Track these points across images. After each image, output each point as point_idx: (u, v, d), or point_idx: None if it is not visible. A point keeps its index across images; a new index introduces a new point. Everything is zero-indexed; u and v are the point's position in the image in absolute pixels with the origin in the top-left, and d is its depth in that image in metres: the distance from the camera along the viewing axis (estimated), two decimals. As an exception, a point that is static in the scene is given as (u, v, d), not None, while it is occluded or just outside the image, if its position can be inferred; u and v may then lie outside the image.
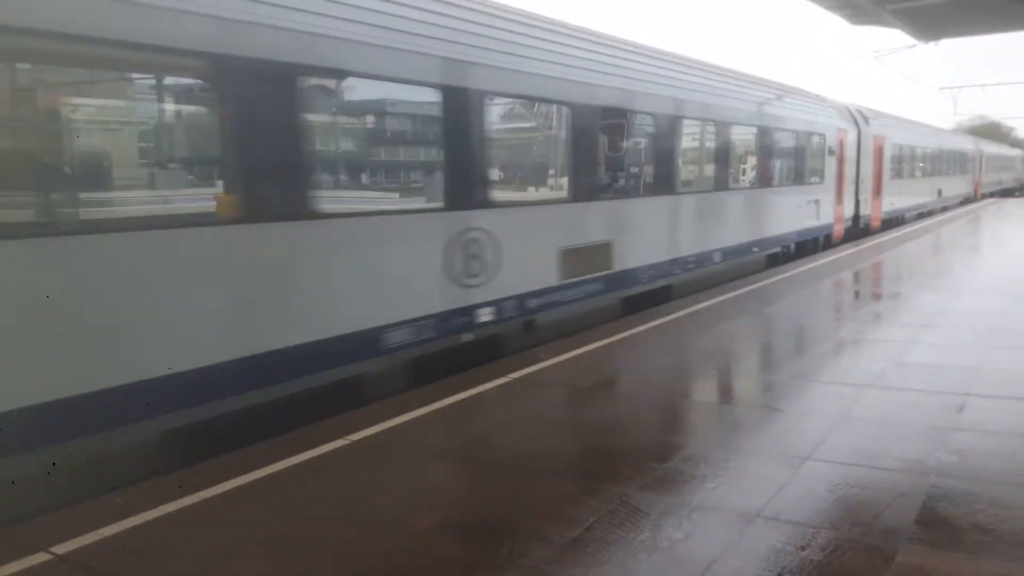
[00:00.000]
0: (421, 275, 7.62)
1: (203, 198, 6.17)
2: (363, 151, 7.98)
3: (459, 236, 8.00)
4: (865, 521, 4.38)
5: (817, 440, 5.67)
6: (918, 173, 30.05)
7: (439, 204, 7.85)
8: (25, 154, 5.06)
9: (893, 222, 26.48)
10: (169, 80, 6.06)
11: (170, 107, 6.27)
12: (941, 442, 5.55)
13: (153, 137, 6.28)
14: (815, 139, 18.06)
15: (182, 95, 6.32)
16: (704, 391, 7.50)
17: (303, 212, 6.42)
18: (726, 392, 7.48)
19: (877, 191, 23.96)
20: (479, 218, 8.24)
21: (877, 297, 12.47)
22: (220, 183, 6.13)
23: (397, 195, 8.07)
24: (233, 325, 5.98)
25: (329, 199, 6.80)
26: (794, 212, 17.12)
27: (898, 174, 26.69)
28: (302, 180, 6.42)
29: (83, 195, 5.54)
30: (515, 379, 7.45)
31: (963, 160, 40.40)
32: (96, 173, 5.60)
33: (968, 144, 43.24)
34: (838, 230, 20.45)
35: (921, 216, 30.43)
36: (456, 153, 7.98)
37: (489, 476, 5.24)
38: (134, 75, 5.92)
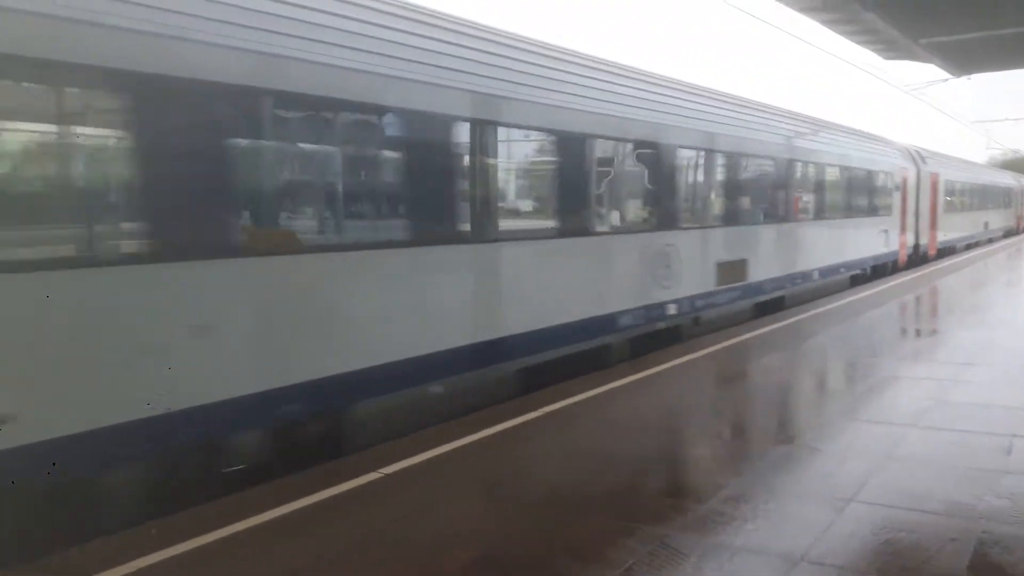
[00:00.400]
0: (639, 276, 10.39)
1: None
2: (642, 192, 11.16)
3: (660, 250, 10.82)
4: (914, 567, 4.26)
5: (860, 481, 5.54)
6: (967, 207, 32.65)
7: (655, 225, 10.89)
8: None
9: (946, 251, 28.26)
10: None
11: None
12: (990, 485, 5.39)
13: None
14: (885, 177, 20.68)
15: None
16: (744, 426, 7.38)
17: (593, 230, 9.64)
18: (766, 427, 7.35)
19: (932, 223, 26.06)
20: (672, 237, 11.10)
21: (931, 331, 12.29)
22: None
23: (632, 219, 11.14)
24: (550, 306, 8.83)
25: (612, 221, 10.47)
26: (871, 240, 19.70)
27: (950, 208, 28.90)
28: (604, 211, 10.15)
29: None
30: (546, 413, 7.38)
31: (1007, 195, 42.78)
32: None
33: (1010, 180, 45.40)
34: (903, 256, 22.72)
35: (969, 247, 32.17)
36: (670, 189, 11.20)
37: (526, 510, 5.17)
38: None
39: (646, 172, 10.92)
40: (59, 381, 4.77)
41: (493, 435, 6.71)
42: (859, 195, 18.96)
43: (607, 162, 10.28)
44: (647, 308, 10.52)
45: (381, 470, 5.83)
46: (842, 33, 13.89)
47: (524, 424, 7.04)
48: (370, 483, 5.60)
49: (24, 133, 5.21)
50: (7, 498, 4.61)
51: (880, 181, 20.28)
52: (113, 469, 5.26)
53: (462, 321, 7.66)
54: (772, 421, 7.50)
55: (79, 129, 5.37)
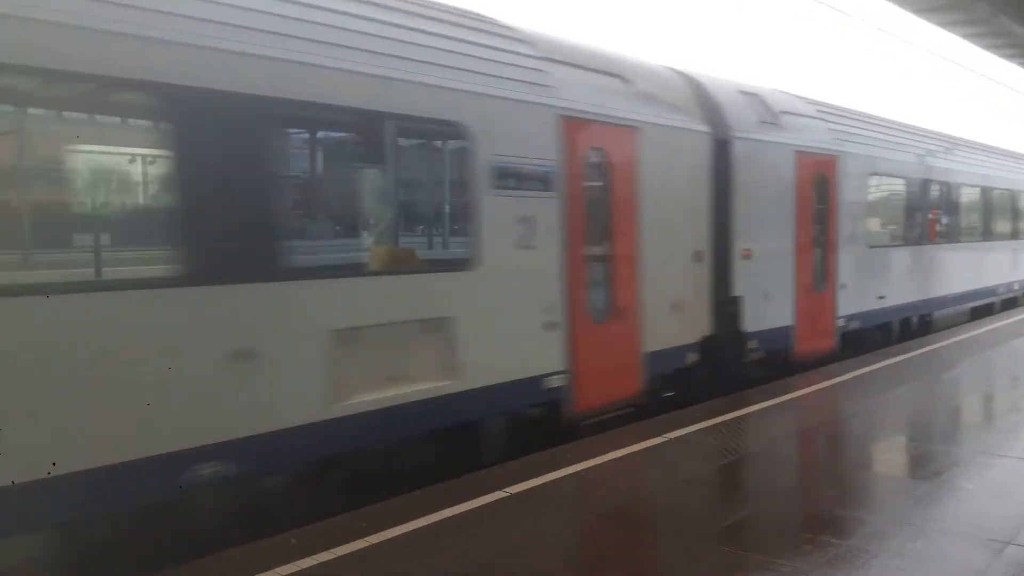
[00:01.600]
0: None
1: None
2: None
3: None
4: (1089, 621, 3.90)
5: (1018, 522, 5.14)
6: None
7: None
8: None
9: None
10: None
11: None
12: None
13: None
14: None
15: None
16: (884, 460, 7.00)
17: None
18: (906, 460, 6.95)
19: None
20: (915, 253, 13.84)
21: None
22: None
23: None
24: None
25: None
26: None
27: None
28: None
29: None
30: (671, 439, 7.22)
31: None
32: None
33: None
34: None
35: None
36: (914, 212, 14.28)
37: (656, 540, 5.05)
38: None
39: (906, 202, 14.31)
40: None
41: (615, 459, 6.61)
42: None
43: None
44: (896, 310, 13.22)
45: (506, 489, 5.83)
46: (965, 36, 13.14)
47: (648, 450, 6.91)
48: (496, 502, 5.61)
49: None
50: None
51: None
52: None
53: None
54: (912, 454, 7.07)
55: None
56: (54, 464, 4.30)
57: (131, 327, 4.68)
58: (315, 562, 4.59)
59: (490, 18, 7.34)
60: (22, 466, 4.24)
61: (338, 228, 7.99)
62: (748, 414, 8.17)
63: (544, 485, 5.97)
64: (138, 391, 4.66)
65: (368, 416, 5.77)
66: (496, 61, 6.89)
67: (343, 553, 4.70)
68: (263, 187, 5.36)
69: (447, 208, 7.97)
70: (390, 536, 4.97)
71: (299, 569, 4.52)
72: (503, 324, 6.79)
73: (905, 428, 8.01)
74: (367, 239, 7.71)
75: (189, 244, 4.94)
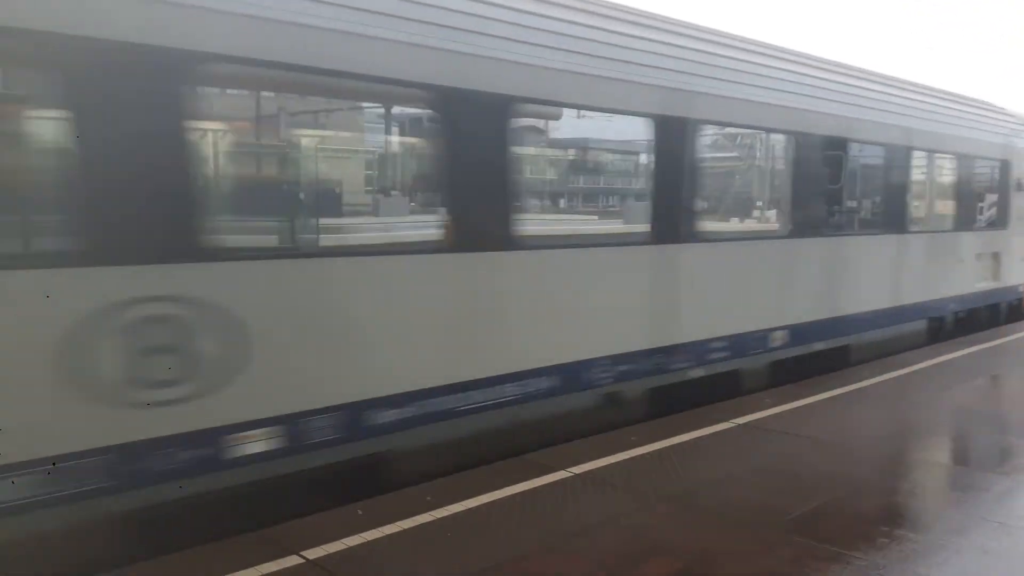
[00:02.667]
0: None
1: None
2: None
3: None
4: None
5: (1111, 526, 4.88)
6: None
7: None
8: None
9: None
10: None
11: None
12: None
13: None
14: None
15: None
16: (959, 452, 6.74)
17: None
18: (985, 455, 6.66)
19: None
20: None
21: None
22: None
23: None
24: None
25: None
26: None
27: None
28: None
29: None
30: (739, 424, 7.08)
31: None
32: None
33: None
34: None
35: None
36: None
37: (723, 527, 4.95)
38: None
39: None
40: None
41: (683, 443, 6.51)
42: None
43: None
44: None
45: (571, 469, 5.79)
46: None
47: (717, 435, 6.79)
48: (559, 482, 5.58)
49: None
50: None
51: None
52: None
53: None
54: (991, 448, 6.78)
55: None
56: None
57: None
58: (380, 534, 4.63)
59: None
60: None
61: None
62: (819, 401, 7.95)
63: (609, 466, 5.91)
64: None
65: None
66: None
67: (408, 527, 4.74)
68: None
69: (994, 199, 13.68)
70: (453, 511, 4.99)
71: (364, 540, 4.57)
72: (1015, 256, 14.03)
73: (986, 420, 7.69)
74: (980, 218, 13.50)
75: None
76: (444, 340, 5.83)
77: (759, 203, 10.39)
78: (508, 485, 5.42)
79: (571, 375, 6.65)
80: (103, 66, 4.20)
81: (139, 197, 4.35)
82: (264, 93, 6.31)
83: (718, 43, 8.34)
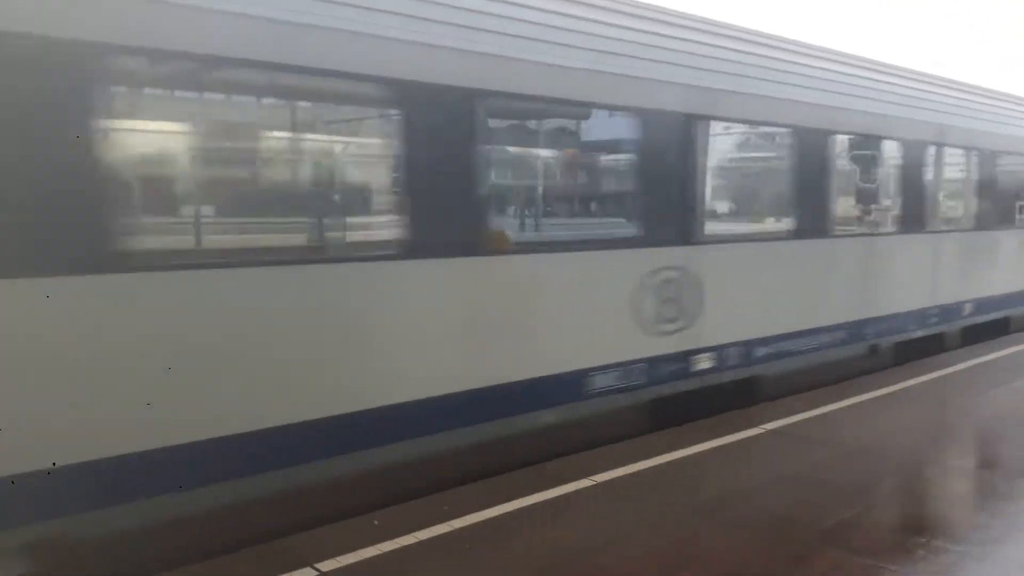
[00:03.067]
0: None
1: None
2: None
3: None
4: None
5: None
6: None
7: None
8: None
9: None
10: None
11: None
12: None
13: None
14: None
15: None
16: (1003, 459, 6.48)
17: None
18: (1019, 463, 6.41)
19: None
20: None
21: None
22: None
23: None
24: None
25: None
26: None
27: None
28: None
29: None
30: (769, 431, 6.87)
31: None
32: None
33: None
34: None
35: None
36: None
37: (752, 538, 4.77)
38: None
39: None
40: None
41: (708, 451, 6.33)
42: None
43: None
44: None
45: (592, 477, 5.64)
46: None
47: (743, 441, 6.59)
48: (582, 491, 5.43)
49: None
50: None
51: None
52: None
53: None
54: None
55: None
56: None
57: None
58: (396, 546, 4.52)
59: None
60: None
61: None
62: (850, 406, 7.71)
63: (632, 475, 5.75)
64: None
65: None
66: None
67: (424, 538, 4.62)
68: None
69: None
70: (472, 522, 4.86)
71: (380, 552, 4.46)
72: None
73: (1012, 427, 7.41)
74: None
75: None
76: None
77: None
78: (527, 495, 5.28)
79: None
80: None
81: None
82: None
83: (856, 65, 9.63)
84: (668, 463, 6.01)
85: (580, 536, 4.72)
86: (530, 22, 6.03)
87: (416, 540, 4.60)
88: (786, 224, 8.38)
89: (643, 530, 4.83)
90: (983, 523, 4.94)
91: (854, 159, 9.70)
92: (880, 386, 8.45)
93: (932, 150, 10.41)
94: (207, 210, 5.22)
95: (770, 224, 9.00)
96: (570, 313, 6.33)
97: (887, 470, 6.02)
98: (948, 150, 10.89)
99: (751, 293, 7.88)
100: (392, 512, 5.03)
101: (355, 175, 6.43)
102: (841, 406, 7.67)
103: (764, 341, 7.98)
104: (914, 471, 6.04)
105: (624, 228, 6.96)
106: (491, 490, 5.38)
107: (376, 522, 4.83)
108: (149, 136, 4.99)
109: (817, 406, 7.62)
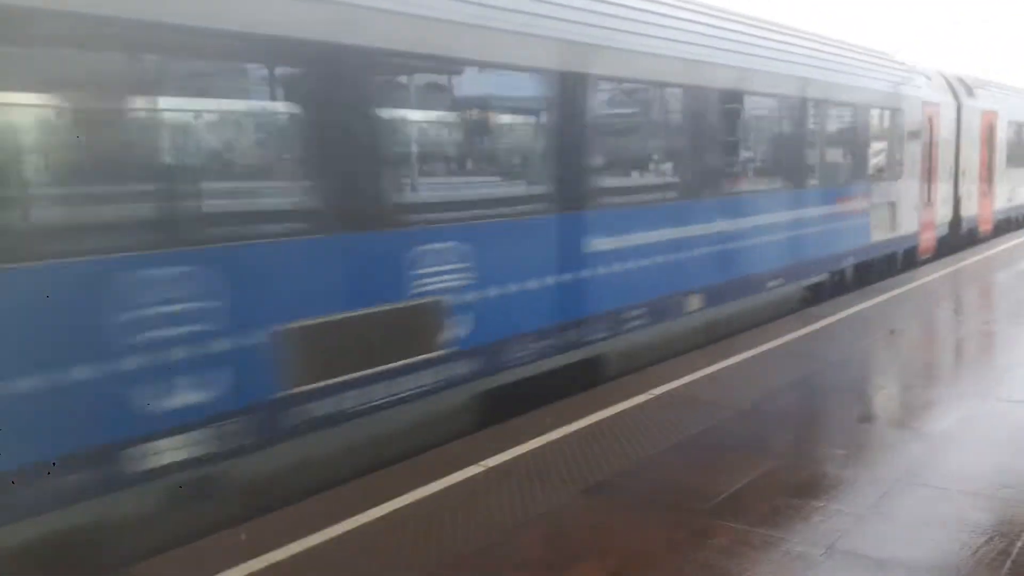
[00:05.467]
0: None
1: None
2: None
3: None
4: None
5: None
6: None
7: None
8: None
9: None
10: None
11: None
12: None
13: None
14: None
15: None
16: (885, 410, 6.59)
17: None
18: (907, 411, 6.53)
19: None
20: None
21: None
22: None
23: None
24: None
25: None
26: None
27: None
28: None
29: None
30: (655, 396, 6.74)
31: None
32: None
33: None
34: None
35: None
36: None
37: (645, 515, 4.56)
38: None
39: None
40: None
41: (598, 422, 6.10)
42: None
43: None
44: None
45: (482, 463, 5.31)
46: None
47: (631, 410, 6.42)
48: (470, 479, 5.08)
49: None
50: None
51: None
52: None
53: None
54: (911, 402, 6.67)
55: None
56: None
57: None
58: (266, 563, 4.04)
59: None
60: None
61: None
62: (733, 364, 7.72)
63: (523, 456, 5.46)
64: None
65: None
66: None
67: (297, 551, 4.15)
68: None
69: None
70: (344, 529, 4.41)
71: (250, 572, 3.97)
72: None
73: (897, 372, 7.62)
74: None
75: None
76: None
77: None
78: (411, 489, 4.88)
79: None
80: None
81: None
82: None
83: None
84: (560, 439, 5.75)
85: (464, 533, 4.35)
86: None
87: (287, 555, 4.13)
88: None
89: (531, 519, 4.50)
90: (872, 477, 4.93)
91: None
92: (757, 344, 8.51)
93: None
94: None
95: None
96: None
97: (774, 431, 6.00)
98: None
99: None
100: (265, 521, 4.53)
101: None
102: (724, 366, 7.65)
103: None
104: (800, 430, 6.06)
105: None
106: (370, 488, 4.94)
107: (243, 536, 4.31)
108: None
109: (701, 367, 7.55)
